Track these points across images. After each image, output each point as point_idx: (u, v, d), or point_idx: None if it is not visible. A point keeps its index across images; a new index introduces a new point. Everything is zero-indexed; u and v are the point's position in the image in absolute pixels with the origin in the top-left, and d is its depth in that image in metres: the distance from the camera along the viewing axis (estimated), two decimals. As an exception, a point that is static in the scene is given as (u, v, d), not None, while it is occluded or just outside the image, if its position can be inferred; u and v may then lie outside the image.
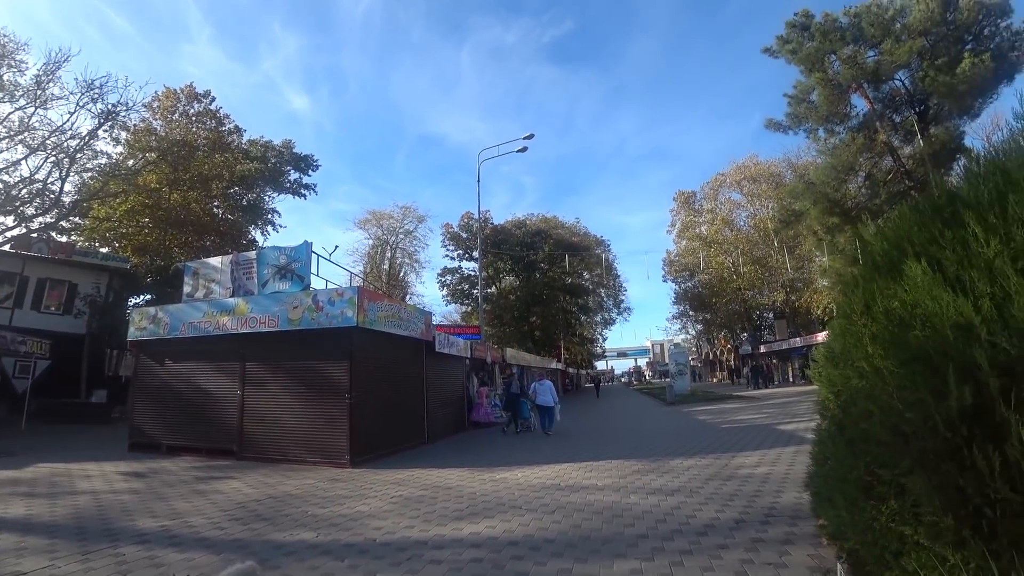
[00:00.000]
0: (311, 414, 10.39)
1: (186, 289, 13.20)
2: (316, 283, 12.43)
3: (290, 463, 10.09)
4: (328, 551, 4.92)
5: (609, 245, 51.22)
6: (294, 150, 33.33)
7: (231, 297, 12.16)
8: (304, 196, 34.11)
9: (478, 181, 26.79)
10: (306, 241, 12.26)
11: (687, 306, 56.80)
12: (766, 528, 5.05)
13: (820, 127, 23.32)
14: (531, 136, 24.76)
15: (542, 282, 41.79)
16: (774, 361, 41.84)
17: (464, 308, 46.41)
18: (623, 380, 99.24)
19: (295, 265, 12.00)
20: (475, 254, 35.60)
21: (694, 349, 68.44)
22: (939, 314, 2.35)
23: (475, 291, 38.40)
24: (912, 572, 2.46)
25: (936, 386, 2.26)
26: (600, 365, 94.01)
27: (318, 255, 13.01)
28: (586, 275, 47.07)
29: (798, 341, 37.08)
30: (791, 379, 39.42)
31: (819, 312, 35.91)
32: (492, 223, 43.78)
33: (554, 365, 40.68)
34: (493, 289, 44.36)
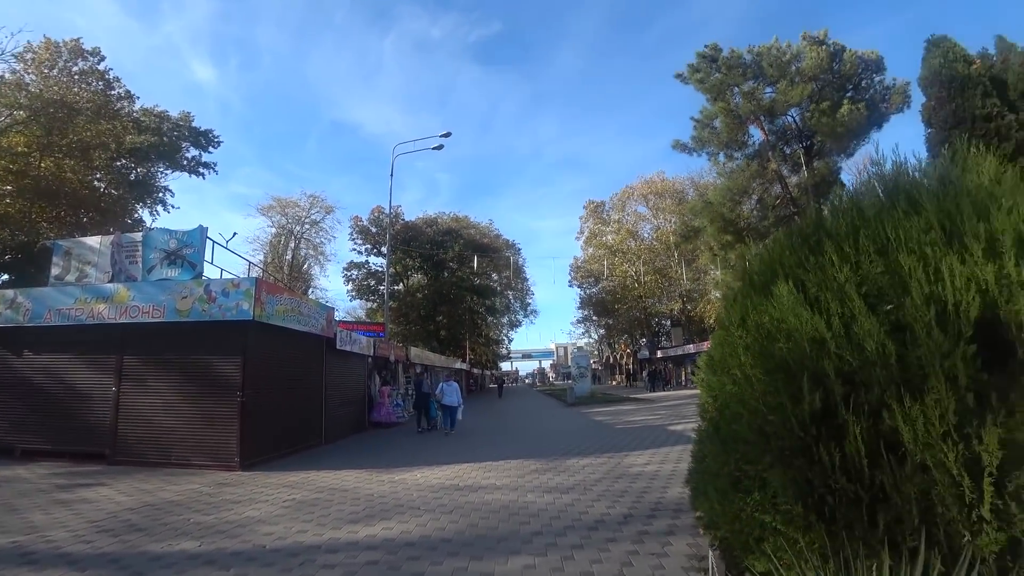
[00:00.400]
0: (198, 414, 9.71)
1: (54, 271, 11.88)
2: (210, 272, 11.69)
3: (173, 467, 9.38)
4: (212, 560, 4.66)
5: (519, 248, 52.26)
6: (193, 124, 30.30)
7: (110, 283, 11.10)
8: (202, 175, 31.15)
9: (391, 175, 25.95)
10: (201, 225, 11.46)
11: (591, 311, 59.01)
12: (651, 521, 5.41)
13: (720, 152, 25.31)
14: (448, 134, 24.69)
15: (450, 281, 41.68)
16: (669, 366, 44.50)
17: (369, 304, 45.30)
18: (527, 381, 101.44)
19: (187, 251, 11.18)
20: (384, 249, 34.76)
21: (596, 353, 71.22)
22: (799, 329, 2.69)
23: (382, 287, 37.55)
24: (770, 554, 2.78)
25: (794, 392, 2.59)
26: (505, 366, 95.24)
27: (214, 241, 12.22)
28: (495, 276, 47.65)
29: (691, 347, 39.67)
30: (684, 383, 42.15)
31: (711, 321, 38.71)
32: (403, 219, 43.10)
33: (459, 365, 40.74)
34: (400, 286, 43.66)
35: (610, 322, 57.54)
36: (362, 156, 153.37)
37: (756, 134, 24.74)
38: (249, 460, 9.45)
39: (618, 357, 63.51)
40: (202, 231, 11.39)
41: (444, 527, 5.52)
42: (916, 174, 3.31)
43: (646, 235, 50.10)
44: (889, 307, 2.59)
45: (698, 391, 4.32)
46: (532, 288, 56.48)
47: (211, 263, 11.89)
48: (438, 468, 9.17)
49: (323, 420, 12.94)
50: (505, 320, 55.45)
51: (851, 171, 27.04)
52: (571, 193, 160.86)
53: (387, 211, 29.92)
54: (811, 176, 22.54)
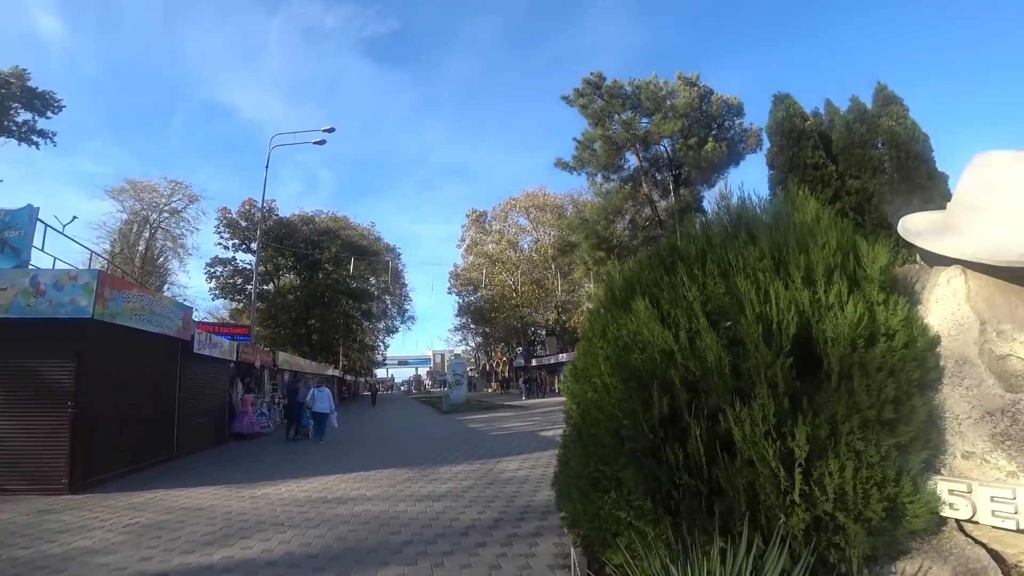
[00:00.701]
0: (18, 427, 8.30)
1: None
2: (41, 260, 10.19)
3: (-23, 492, 7.97)
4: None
5: (400, 253, 51.33)
6: (28, 83, 25.43)
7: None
8: (36, 145, 26.15)
9: (267, 166, 24.12)
10: (30, 205, 9.89)
11: (469, 319, 59.46)
12: (520, 524, 5.60)
13: (599, 173, 27.06)
14: (332, 129, 23.70)
15: (325, 283, 39.84)
16: (543, 373, 46.14)
17: (234, 305, 41.85)
18: (403, 389, 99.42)
19: (9, 234, 9.61)
20: (254, 246, 32.29)
21: (473, 360, 71.90)
22: (652, 342, 3.00)
23: (249, 287, 34.78)
24: (625, 547, 3.04)
25: (645, 399, 2.88)
26: (381, 373, 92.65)
27: (46, 224, 10.65)
28: (372, 280, 46.43)
29: (565, 356, 41.50)
30: (558, 391, 43.92)
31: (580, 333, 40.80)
32: (277, 214, 40.45)
33: (331, 371, 39.04)
34: (270, 286, 40.94)
35: (487, 330, 58.39)
36: (235, 143, 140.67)
37: (631, 159, 26.80)
38: (83, 480, 8.29)
39: (495, 365, 64.67)
40: (31, 211, 9.85)
41: (310, 542, 5.29)
42: (757, 210, 3.83)
43: (526, 246, 51.76)
44: (728, 324, 2.98)
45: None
46: (411, 294, 55.67)
47: (42, 250, 10.35)
48: (305, 480, 8.73)
49: (176, 431, 11.73)
50: (382, 326, 54.21)
51: (711, 200, 30.33)
52: (455, 200, 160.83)
53: (260, 205, 27.90)
54: (678, 201, 24.95)
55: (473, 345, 69.58)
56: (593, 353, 3.58)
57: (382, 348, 61.81)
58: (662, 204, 26.48)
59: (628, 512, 3.07)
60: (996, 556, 2.89)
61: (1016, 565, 2.92)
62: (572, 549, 3.62)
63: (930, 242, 3.32)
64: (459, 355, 68.48)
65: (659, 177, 26.69)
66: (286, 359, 24.55)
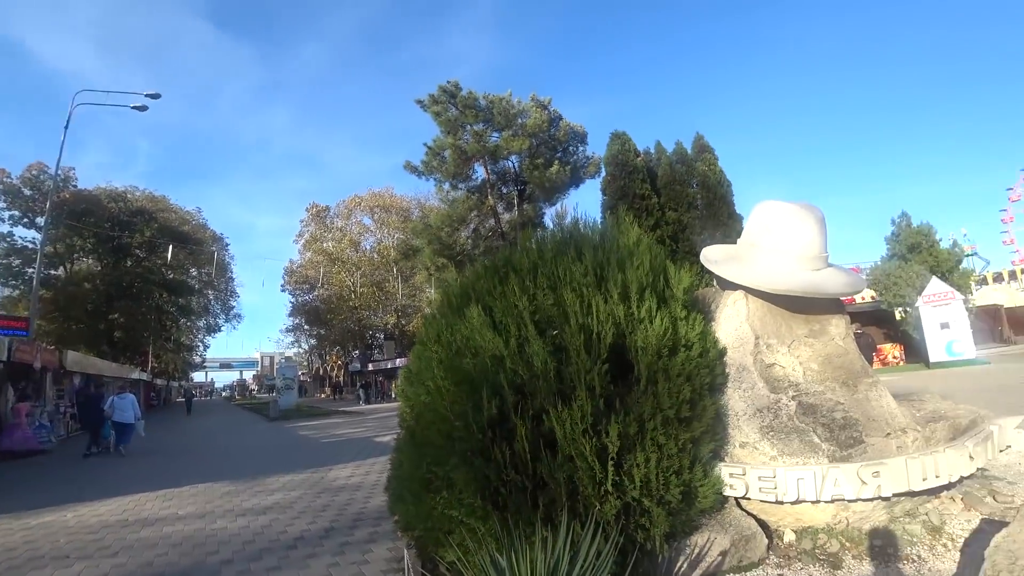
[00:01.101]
0: None
1: None
2: None
3: None
4: None
5: (228, 243, 46.86)
6: None
7: None
8: None
9: (66, 127, 19.85)
10: None
11: (303, 319, 55.97)
12: (353, 532, 5.47)
13: (447, 180, 27.39)
14: (157, 95, 20.70)
15: (134, 272, 34.73)
16: (380, 379, 45.01)
17: (9, 292, 34.39)
18: (224, 394, 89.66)
19: None
20: (40, 221, 26.86)
21: (306, 364, 67.76)
22: (484, 347, 3.19)
23: (31, 270, 28.76)
24: (457, 544, 3.16)
25: (476, 401, 3.05)
26: (199, 377, 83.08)
27: None
28: (193, 272, 41.65)
29: (402, 361, 40.96)
30: (393, 396, 43.14)
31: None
32: (75, 185, 33.85)
33: (136, 375, 34.18)
34: (61, 271, 34.48)
35: (323, 332, 55.39)
36: (27, 91, 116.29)
37: (480, 171, 27.66)
38: None
39: (328, 369, 61.55)
40: None
41: (106, 573, 4.63)
42: (587, 230, 4.24)
43: (368, 247, 50.23)
44: (555, 332, 3.27)
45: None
46: (238, 289, 50.86)
47: None
48: (100, 503, 7.58)
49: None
50: (202, 323, 48.84)
51: (551, 217, 32.30)
52: (295, 192, 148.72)
53: (53, 172, 23.29)
54: (521, 216, 26.21)
55: (306, 348, 65.56)
56: (427, 357, 3.67)
57: (201, 349, 55.63)
58: (506, 217, 27.60)
59: (459, 510, 3.19)
60: (762, 524, 3.55)
61: (776, 528, 3.61)
62: (405, 551, 3.66)
63: (722, 269, 3.99)
64: (290, 358, 64.06)
65: (505, 191, 27.83)
66: (77, 359, 20.98)
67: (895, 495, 3.40)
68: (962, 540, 3.33)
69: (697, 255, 4.53)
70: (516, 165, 27.04)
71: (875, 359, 24.26)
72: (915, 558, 3.22)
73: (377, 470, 9.24)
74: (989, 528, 3.29)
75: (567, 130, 27.02)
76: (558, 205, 27.56)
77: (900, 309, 24.71)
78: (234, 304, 50.05)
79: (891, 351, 25.05)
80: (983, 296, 34.07)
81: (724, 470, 3.51)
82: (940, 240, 25.52)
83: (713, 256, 4.17)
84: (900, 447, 3.59)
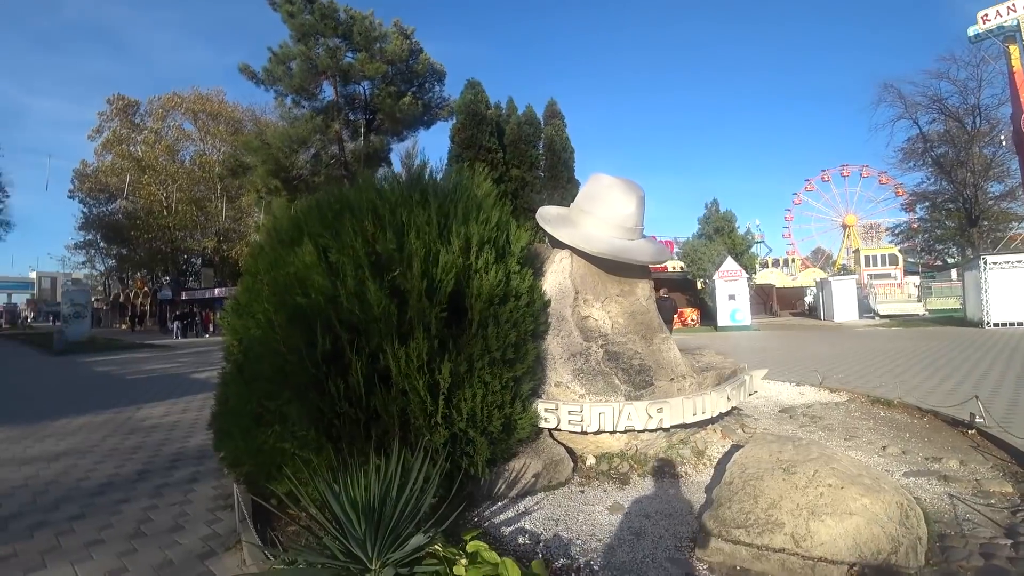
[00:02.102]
0: None
1: None
2: None
3: None
4: None
5: None
6: None
7: None
8: None
9: None
10: None
11: (99, 235, 47.72)
12: (172, 473, 5.15)
13: (289, 95, 24.67)
14: None
15: None
16: (205, 311, 40.70)
17: None
18: None
19: None
20: None
21: (101, 289, 58.67)
22: (317, 285, 3.25)
23: None
24: (290, 476, 3.25)
25: (310, 337, 3.13)
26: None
27: None
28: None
29: (221, 291, 37.34)
30: (212, 330, 39.44)
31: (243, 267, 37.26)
32: None
33: None
34: None
35: (125, 252, 47.61)
36: None
37: (328, 91, 25.33)
38: None
39: (131, 296, 53.99)
40: None
41: None
42: (436, 176, 4.34)
43: (188, 157, 43.91)
44: (393, 274, 3.40)
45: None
46: (7, 189, 41.10)
47: None
48: None
49: None
50: None
51: (399, 153, 31.09)
52: (92, 76, 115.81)
53: None
54: (367, 146, 24.84)
55: (102, 270, 56.40)
56: (258, 289, 3.60)
57: None
58: (350, 145, 26.04)
59: (292, 443, 3.27)
60: (570, 451, 4.17)
61: (580, 455, 4.26)
62: (235, 486, 3.65)
63: (553, 229, 4.43)
64: (80, 280, 54.87)
65: (352, 117, 26.10)
66: None
67: (673, 426, 4.24)
68: (717, 459, 4.24)
69: (535, 212, 4.93)
70: (367, 91, 25.45)
71: (676, 320, 28.28)
72: (683, 474, 4.08)
73: (196, 407, 8.68)
74: (735, 450, 4.25)
75: (426, 64, 25.95)
76: (407, 142, 26.68)
77: (701, 280, 28.88)
78: (0, 206, 40.59)
79: (691, 314, 29.39)
80: (762, 277, 41.08)
81: (540, 405, 4.03)
82: (738, 227, 30.11)
83: (548, 216, 4.59)
84: (680, 389, 4.42)
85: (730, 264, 25.61)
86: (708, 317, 27.43)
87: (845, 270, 42.69)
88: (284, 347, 3.28)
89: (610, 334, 4.38)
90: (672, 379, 4.40)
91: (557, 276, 4.43)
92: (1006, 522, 3.41)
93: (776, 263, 50.27)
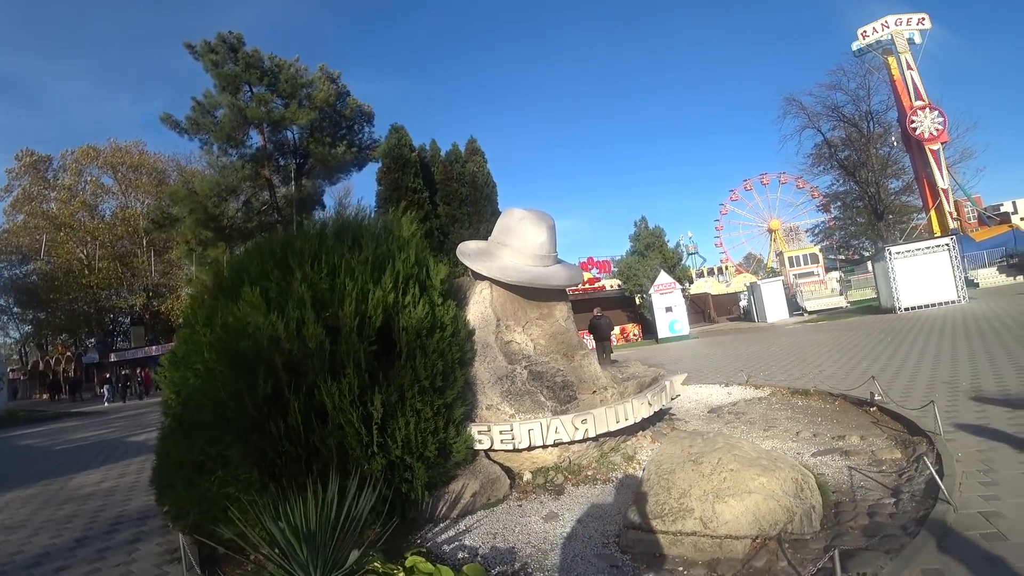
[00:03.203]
0: None
1: None
2: None
3: None
4: None
5: None
6: None
7: None
8: None
9: None
10: None
11: (11, 300, 44.66)
12: (113, 536, 5.07)
13: (216, 144, 24.19)
14: None
15: None
16: (144, 370, 38.34)
17: None
18: None
19: None
20: None
21: (17, 358, 54.51)
22: (261, 328, 3.46)
23: None
24: (236, 518, 3.38)
25: (251, 380, 3.33)
26: None
27: None
28: None
29: (156, 349, 35.62)
30: (149, 392, 37.24)
31: (181, 320, 35.76)
32: None
33: None
34: None
35: (42, 316, 44.67)
36: None
37: (256, 138, 25.06)
38: None
39: (52, 362, 50.33)
40: None
41: None
42: (366, 220, 4.65)
43: (108, 212, 42.00)
44: (328, 314, 3.66)
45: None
46: None
47: None
48: None
49: None
50: None
51: (332, 194, 30.91)
52: (1, 131, 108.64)
53: None
54: (299, 191, 24.64)
55: (17, 337, 52.49)
56: (196, 340, 3.76)
57: None
58: (282, 191, 25.79)
59: (236, 486, 3.42)
60: (508, 469, 4.45)
61: (518, 471, 4.55)
62: (181, 537, 3.72)
63: (472, 262, 4.80)
64: (-7, 350, 50.93)
65: (283, 162, 25.89)
66: None
67: (600, 435, 4.60)
68: (645, 462, 4.63)
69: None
70: (296, 137, 25.41)
71: (619, 336, 29.23)
72: (614, 479, 4.44)
73: (134, 471, 8.40)
74: (662, 452, 4.65)
75: (354, 107, 26.15)
76: (340, 184, 26.63)
77: (639, 295, 30.00)
78: None
79: (632, 329, 30.35)
80: (698, 287, 43.02)
81: (474, 428, 4.32)
82: (668, 241, 31.58)
83: (467, 250, 4.96)
84: (602, 400, 4.80)
85: (664, 277, 26.74)
86: (649, 331, 28.42)
87: (774, 272, 45.18)
88: (225, 393, 3.44)
89: (533, 355, 4.75)
90: (594, 391, 4.79)
91: (479, 306, 4.78)
92: (893, 484, 3.96)
93: (712, 272, 52.68)
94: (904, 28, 32.99)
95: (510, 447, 4.34)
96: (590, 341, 14.25)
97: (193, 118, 23.12)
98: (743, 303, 38.91)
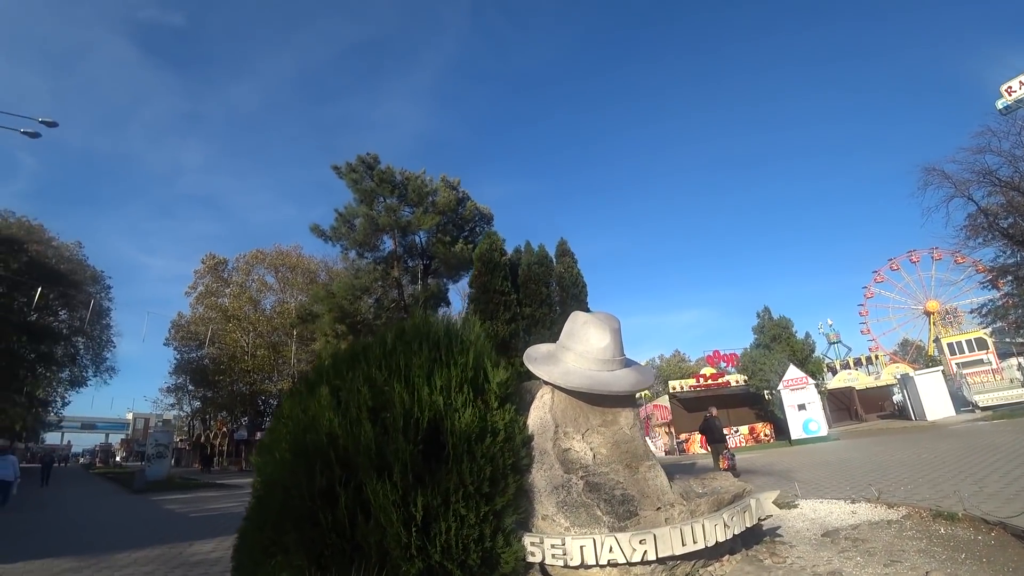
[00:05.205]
0: None
1: None
2: None
3: None
4: None
5: (110, 286, 42.94)
6: None
7: None
8: None
9: None
10: None
11: (187, 379, 51.77)
12: None
13: (353, 249, 27.64)
14: (54, 124, 17.80)
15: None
16: None
17: None
18: (83, 460, 77.90)
19: None
20: None
21: (186, 429, 62.17)
22: (323, 425, 3.79)
23: None
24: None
25: (310, 472, 3.62)
26: (52, 438, 72.92)
27: None
28: (63, 315, 37.57)
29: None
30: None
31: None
32: None
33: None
34: None
35: (209, 395, 51.21)
36: None
37: (388, 242, 28.28)
38: None
39: (211, 436, 56.69)
40: None
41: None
42: (435, 323, 4.99)
43: (268, 306, 48.23)
44: (387, 415, 3.93)
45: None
46: (114, 339, 45.46)
47: None
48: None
49: None
50: (65, 375, 42.96)
51: (457, 292, 33.13)
52: (195, 237, 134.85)
53: None
54: (424, 290, 26.93)
55: (189, 411, 60.24)
56: (279, 430, 4.18)
57: (59, 405, 47.31)
58: (409, 290, 28.13)
59: (291, 572, 3.65)
60: None
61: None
62: (238, 615, 3.99)
63: (535, 366, 4.89)
64: (169, 421, 58.58)
65: (410, 263, 28.54)
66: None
67: (665, 558, 4.24)
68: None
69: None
70: (423, 240, 28.02)
71: (748, 435, 26.74)
72: None
73: (240, 544, 9.05)
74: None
75: (473, 210, 28.62)
76: (463, 281, 28.46)
77: (767, 392, 27.54)
78: (107, 355, 44.67)
79: (763, 429, 27.67)
80: (840, 380, 38.55)
81: (527, 539, 4.20)
82: (796, 331, 29.12)
83: (534, 355, 5.07)
84: (668, 519, 4.47)
85: (794, 372, 24.43)
86: (782, 431, 25.71)
87: (934, 361, 39.25)
88: (289, 482, 3.77)
89: (591, 465, 4.60)
90: (659, 508, 4.48)
91: (539, 411, 4.80)
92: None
93: (859, 362, 46.87)
94: (1057, 75, 29.08)
95: (560, 563, 4.14)
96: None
97: (336, 227, 26.65)
98: (896, 398, 34.08)
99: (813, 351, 29.95)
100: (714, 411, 14.29)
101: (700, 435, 22.34)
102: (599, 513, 4.31)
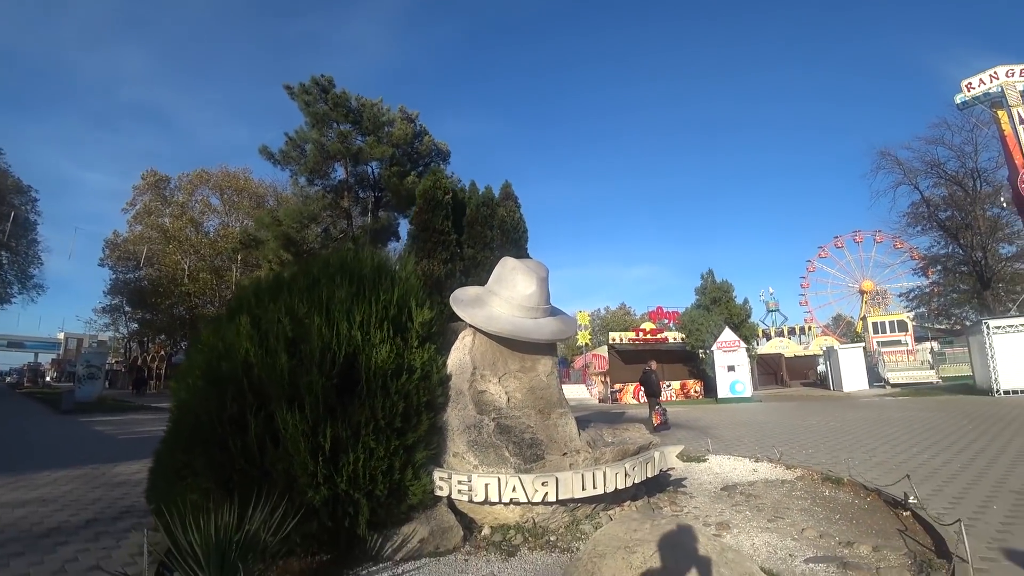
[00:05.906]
0: None
1: None
2: None
3: None
4: None
5: (37, 198, 40.14)
6: None
7: None
8: None
9: None
10: None
11: (124, 300, 49.75)
12: (116, 523, 5.59)
13: (303, 175, 26.54)
14: None
15: None
16: None
17: None
18: (10, 379, 74.47)
19: None
20: None
21: (123, 352, 60.19)
22: (240, 354, 3.81)
23: None
24: (191, 524, 3.66)
25: (222, 400, 3.66)
26: (-28, 356, 69.33)
27: None
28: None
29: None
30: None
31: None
32: None
33: None
34: None
35: (148, 317, 49.37)
36: None
37: (339, 171, 27.19)
38: None
39: (148, 359, 55.14)
40: None
41: None
42: (364, 259, 4.96)
43: (211, 229, 46.21)
44: (305, 347, 3.97)
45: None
46: (42, 255, 42.95)
47: None
48: None
49: None
50: None
51: (407, 228, 32.52)
52: (136, 153, 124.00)
53: None
54: (374, 223, 26.29)
55: (126, 332, 58.09)
56: (195, 357, 4.18)
57: None
58: (359, 221, 27.48)
59: (199, 494, 3.73)
60: (471, 520, 4.47)
61: (480, 524, 4.55)
62: (145, 531, 4.07)
63: (460, 309, 4.98)
64: (104, 342, 56.56)
65: (361, 194, 27.74)
66: None
67: (566, 500, 4.48)
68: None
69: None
70: (375, 171, 27.19)
71: (679, 391, 28.18)
72: (574, 549, 4.19)
73: (166, 466, 9.05)
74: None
75: (430, 145, 27.77)
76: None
77: (702, 351, 28.82)
78: (35, 272, 42.27)
79: (693, 386, 29.17)
80: (771, 347, 40.71)
81: (436, 474, 4.41)
82: (736, 296, 30.30)
83: (462, 297, 5.16)
84: (572, 464, 4.73)
85: (728, 334, 25.61)
86: (711, 389, 27.20)
87: (859, 337, 41.97)
88: (200, 409, 3.81)
89: (504, 408, 4.81)
90: (565, 454, 4.76)
91: (459, 352, 4.94)
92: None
93: (792, 332, 49.62)
94: (1016, 80, 30.20)
95: (465, 498, 4.37)
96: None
97: (286, 151, 25.47)
98: (820, 368, 36.47)
99: (749, 316, 31.31)
100: (654, 364, 14.66)
101: (637, 386, 23.36)
102: (507, 454, 4.54)
